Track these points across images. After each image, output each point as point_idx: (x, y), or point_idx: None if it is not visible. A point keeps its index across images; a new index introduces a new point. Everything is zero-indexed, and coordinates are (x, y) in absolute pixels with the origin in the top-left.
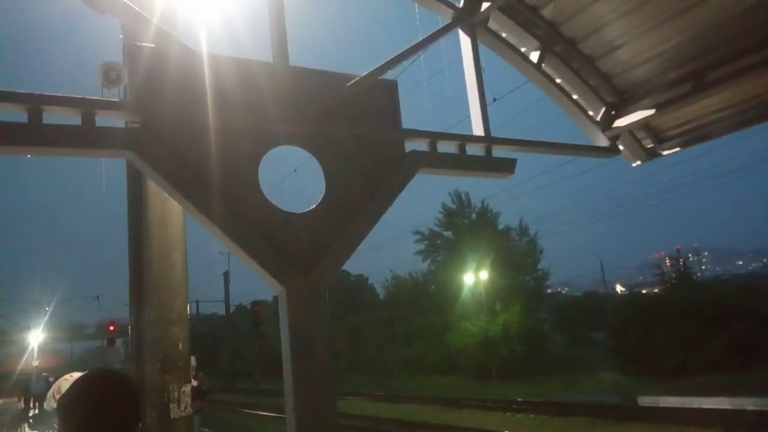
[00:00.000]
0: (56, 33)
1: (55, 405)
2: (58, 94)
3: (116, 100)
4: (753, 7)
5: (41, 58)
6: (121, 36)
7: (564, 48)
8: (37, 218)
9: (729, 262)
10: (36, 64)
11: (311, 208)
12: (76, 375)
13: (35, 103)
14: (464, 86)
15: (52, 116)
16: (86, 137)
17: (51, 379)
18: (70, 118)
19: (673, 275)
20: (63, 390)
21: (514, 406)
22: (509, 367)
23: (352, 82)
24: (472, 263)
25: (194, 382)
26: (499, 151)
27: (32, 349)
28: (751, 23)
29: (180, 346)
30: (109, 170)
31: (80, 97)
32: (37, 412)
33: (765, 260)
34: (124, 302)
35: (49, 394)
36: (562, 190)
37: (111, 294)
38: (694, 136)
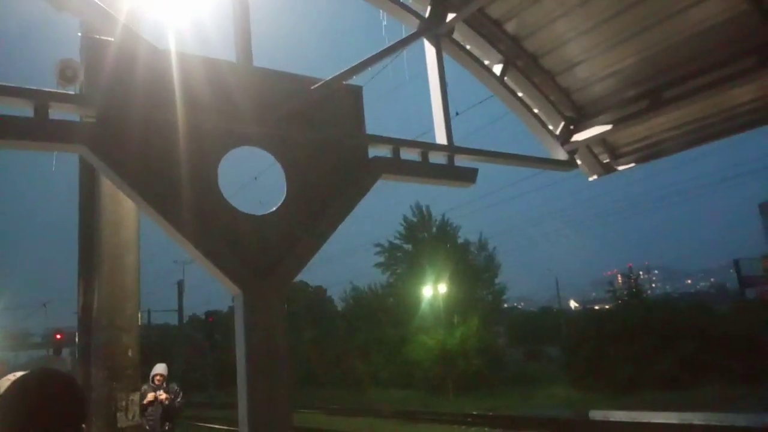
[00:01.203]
0: (12, 28)
1: None
2: (9, 84)
3: (71, 93)
4: (705, 31)
5: None
6: (80, 33)
7: (526, 62)
8: None
9: (678, 280)
10: None
11: (271, 210)
12: (19, 374)
13: None
14: (428, 98)
15: (3, 107)
16: (39, 130)
17: None
18: (22, 110)
19: (625, 292)
20: (2, 389)
21: (469, 419)
22: (465, 380)
23: (316, 85)
24: (431, 276)
25: (162, 395)
26: (461, 161)
27: None
28: (704, 46)
29: (129, 353)
30: (60, 170)
31: (34, 88)
32: None
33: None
34: (73, 310)
35: None
36: (519, 207)
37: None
38: (648, 152)
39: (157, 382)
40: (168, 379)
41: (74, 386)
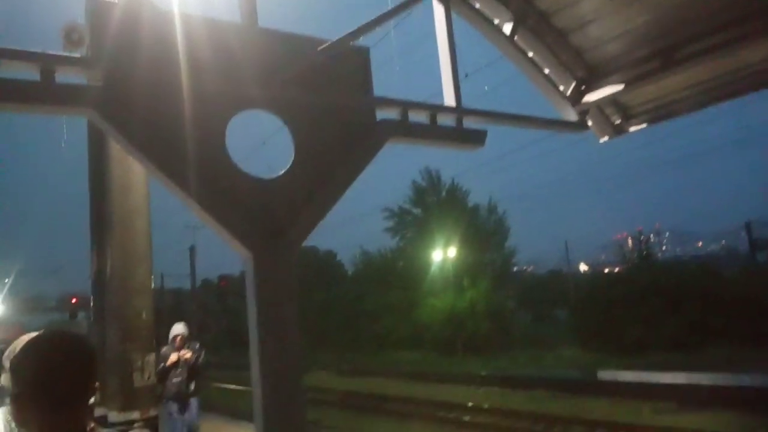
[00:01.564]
0: None
1: (8, 365)
2: (15, 48)
3: (77, 56)
4: None
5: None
6: None
7: (537, 21)
8: None
9: (689, 243)
10: None
11: (280, 173)
12: (32, 335)
13: None
14: (437, 60)
15: (9, 71)
16: (45, 93)
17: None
18: (28, 73)
19: (635, 255)
20: (17, 350)
21: (479, 379)
22: (475, 342)
23: (323, 47)
24: (441, 240)
25: (187, 354)
26: (470, 123)
27: None
28: (718, 5)
29: (143, 315)
30: (70, 135)
31: (40, 51)
32: None
33: (723, 242)
34: (87, 275)
35: (5, 355)
36: (529, 171)
37: (73, 266)
38: (660, 113)
39: (178, 343)
40: (191, 337)
41: (84, 345)
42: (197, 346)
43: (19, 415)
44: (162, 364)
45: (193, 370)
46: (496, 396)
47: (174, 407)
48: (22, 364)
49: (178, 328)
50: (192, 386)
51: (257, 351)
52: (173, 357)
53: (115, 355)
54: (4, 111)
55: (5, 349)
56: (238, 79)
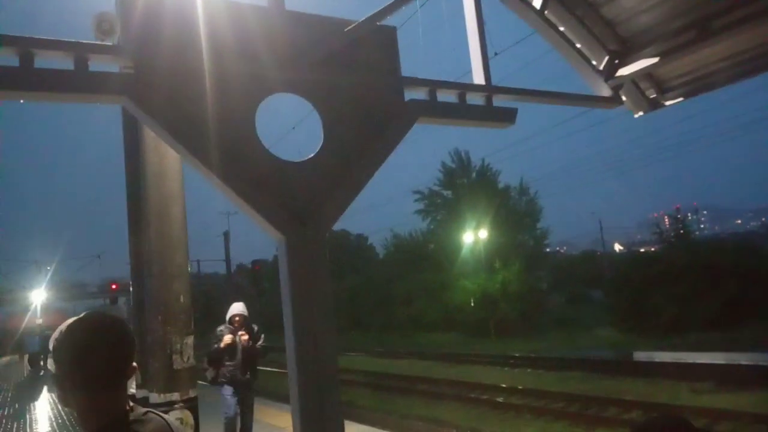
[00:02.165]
0: None
1: (52, 348)
2: (51, 38)
3: (110, 44)
4: None
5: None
6: None
7: None
8: (36, 176)
9: (727, 221)
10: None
11: (309, 156)
12: (73, 319)
13: (27, 46)
14: (465, 38)
15: (45, 60)
16: (79, 82)
17: (38, 334)
18: (63, 62)
19: (672, 234)
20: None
21: (512, 361)
22: (507, 324)
23: (350, 27)
24: (472, 222)
25: (244, 336)
26: (499, 101)
27: (35, 307)
28: None
29: (181, 299)
30: (107, 125)
31: (73, 40)
32: (31, 370)
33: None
34: (126, 261)
35: (51, 338)
36: (562, 150)
37: (112, 253)
38: (697, 85)
39: (236, 324)
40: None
41: (122, 327)
42: (256, 328)
43: (62, 395)
44: (215, 345)
45: (250, 354)
46: (529, 377)
47: (229, 390)
48: (62, 346)
49: (237, 308)
50: (247, 374)
51: (292, 333)
52: (228, 338)
53: (155, 339)
54: (41, 100)
55: (48, 335)
56: (266, 63)
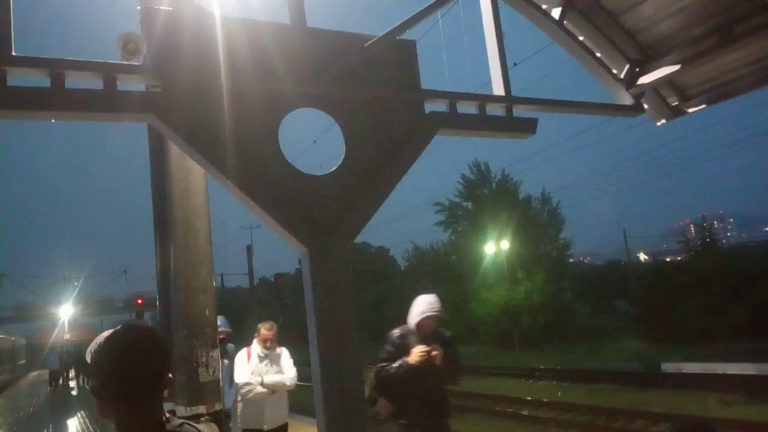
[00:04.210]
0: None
1: (89, 361)
2: (80, 59)
3: (137, 64)
4: None
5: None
6: (139, 8)
7: (586, 3)
8: (66, 193)
9: (755, 228)
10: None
11: (332, 170)
12: (110, 331)
13: (57, 67)
14: (484, 50)
15: (74, 81)
16: (108, 101)
17: (60, 350)
18: (92, 82)
19: (698, 242)
20: (98, 345)
21: (537, 373)
22: (531, 335)
23: (370, 42)
24: (493, 233)
25: (434, 352)
26: (519, 112)
27: (63, 322)
28: None
29: (206, 313)
30: (134, 140)
31: (101, 61)
32: (53, 387)
33: None
34: (151, 276)
35: (88, 350)
36: (584, 159)
37: (138, 268)
38: (720, 92)
39: (427, 330)
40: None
41: (158, 338)
42: (448, 336)
43: (100, 407)
44: (384, 365)
45: (445, 378)
46: (555, 389)
47: None
48: (100, 357)
49: (431, 303)
50: (444, 415)
51: (316, 345)
52: (419, 353)
53: (182, 352)
54: (72, 119)
55: (75, 351)
56: (288, 79)
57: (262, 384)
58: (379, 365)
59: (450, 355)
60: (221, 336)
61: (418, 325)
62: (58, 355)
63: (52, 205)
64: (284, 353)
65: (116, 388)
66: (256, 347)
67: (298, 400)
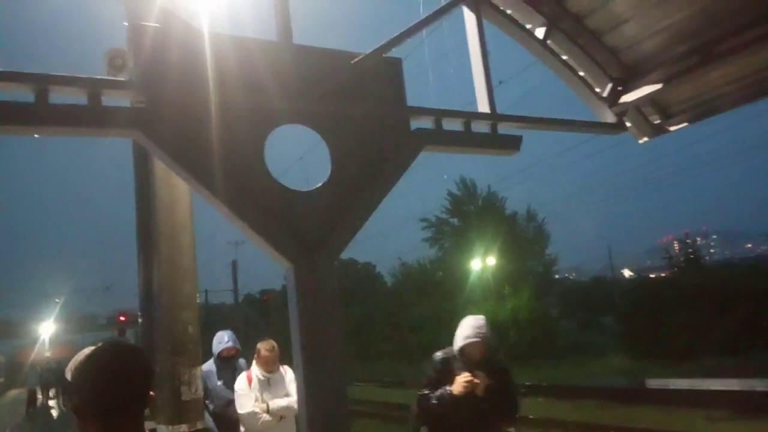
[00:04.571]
0: (60, 16)
1: (70, 379)
2: (65, 74)
3: (122, 79)
4: None
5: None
6: (126, 23)
7: (570, 24)
8: (48, 209)
9: (738, 245)
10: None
11: (318, 186)
12: (91, 348)
13: (42, 83)
14: (470, 68)
15: (59, 96)
16: (93, 117)
17: (38, 368)
18: (77, 98)
19: (682, 259)
20: (78, 362)
21: (523, 390)
22: (518, 351)
23: (356, 59)
24: (480, 249)
25: (477, 380)
26: (504, 129)
27: (44, 340)
28: None
29: (189, 329)
30: (117, 156)
31: (86, 76)
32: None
33: None
34: (135, 292)
35: (67, 368)
36: (568, 177)
37: (121, 284)
38: (701, 110)
39: (472, 356)
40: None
41: (141, 356)
42: (502, 367)
43: (80, 425)
44: (426, 393)
45: (496, 414)
46: (541, 406)
47: None
48: (81, 375)
49: (475, 325)
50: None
51: (301, 362)
52: (462, 382)
53: (164, 370)
54: (56, 135)
55: (57, 368)
56: (274, 95)
57: (268, 411)
58: (420, 392)
59: (501, 387)
60: (231, 353)
61: (462, 350)
62: (35, 372)
63: (35, 219)
64: (288, 373)
65: (97, 405)
66: (256, 370)
67: None
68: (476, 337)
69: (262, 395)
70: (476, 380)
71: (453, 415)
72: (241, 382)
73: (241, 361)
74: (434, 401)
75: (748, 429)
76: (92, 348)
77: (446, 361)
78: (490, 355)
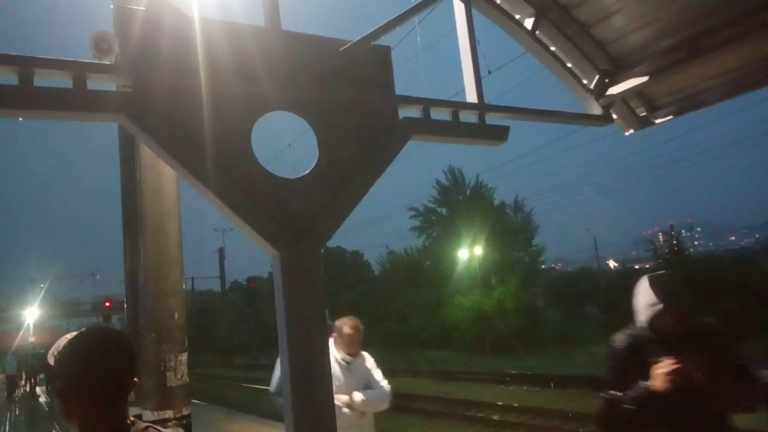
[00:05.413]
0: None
1: (53, 363)
2: (50, 57)
3: (108, 63)
4: None
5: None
6: (112, 6)
7: (559, 15)
8: (33, 193)
9: (722, 237)
10: (27, 31)
11: (305, 173)
12: (74, 333)
13: (26, 65)
14: (458, 57)
15: (44, 79)
16: (78, 100)
17: (20, 354)
18: (62, 81)
19: (666, 250)
20: (60, 348)
21: (508, 378)
22: (504, 341)
23: (345, 47)
24: (467, 239)
25: (689, 365)
26: (492, 119)
27: (28, 325)
28: None
29: (176, 316)
30: (103, 143)
31: (72, 59)
32: (12, 394)
33: (757, 236)
34: (120, 279)
35: (49, 353)
36: (556, 168)
37: (107, 270)
38: (687, 103)
39: (671, 328)
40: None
41: (125, 341)
42: (715, 328)
43: (63, 409)
44: (614, 396)
45: (730, 402)
46: (526, 394)
47: None
48: (65, 360)
49: (660, 286)
50: None
51: (286, 349)
52: (664, 371)
53: (150, 356)
54: (40, 119)
55: (44, 353)
56: (262, 81)
57: (350, 405)
58: (604, 393)
59: (726, 362)
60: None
61: (651, 323)
62: (15, 357)
63: (19, 204)
64: (368, 360)
65: (81, 389)
66: (334, 352)
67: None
68: (665, 303)
69: (345, 383)
70: (684, 365)
71: (665, 420)
72: None
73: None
74: (629, 407)
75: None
76: (75, 333)
77: (633, 344)
78: (696, 323)
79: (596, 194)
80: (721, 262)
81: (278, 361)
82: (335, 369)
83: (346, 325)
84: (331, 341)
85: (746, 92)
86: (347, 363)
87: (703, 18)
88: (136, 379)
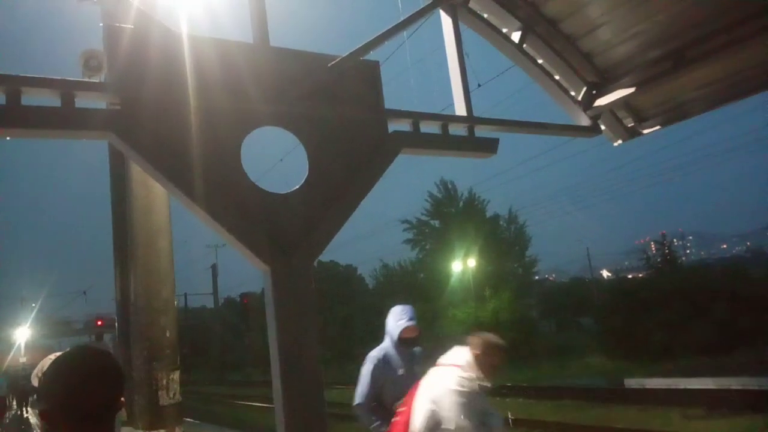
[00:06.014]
0: (36, 19)
1: (36, 384)
2: (37, 75)
3: (96, 81)
4: None
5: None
6: (101, 24)
7: (545, 28)
8: (23, 213)
9: (713, 246)
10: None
11: (295, 188)
12: (59, 354)
13: (14, 84)
14: (447, 71)
15: (32, 98)
16: (66, 119)
17: (10, 375)
18: (50, 99)
19: (659, 260)
20: (45, 369)
21: (504, 390)
22: None
23: (333, 62)
24: (461, 251)
25: None
26: (481, 132)
27: (19, 345)
28: (727, 2)
29: (167, 334)
30: (94, 157)
31: (60, 78)
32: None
33: (749, 244)
34: (112, 297)
35: (33, 374)
36: (548, 179)
37: (98, 288)
38: (674, 114)
39: None
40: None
41: (110, 361)
42: None
43: (49, 429)
44: None
45: None
46: (521, 406)
47: None
48: (50, 380)
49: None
50: None
51: (278, 364)
52: None
53: (142, 375)
54: (28, 137)
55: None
56: (252, 97)
57: None
58: None
59: None
60: (413, 333)
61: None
62: (4, 379)
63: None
64: None
65: (67, 410)
66: (471, 374)
67: (263, 421)
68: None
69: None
70: None
71: None
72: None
73: (418, 349)
74: None
75: (723, 427)
76: (60, 353)
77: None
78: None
79: (589, 205)
80: (713, 271)
81: (362, 370)
82: (472, 396)
83: (498, 343)
84: (468, 361)
85: (732, 102)
86: (483, 389)
87: (688, 30)
88: (123, 399)
